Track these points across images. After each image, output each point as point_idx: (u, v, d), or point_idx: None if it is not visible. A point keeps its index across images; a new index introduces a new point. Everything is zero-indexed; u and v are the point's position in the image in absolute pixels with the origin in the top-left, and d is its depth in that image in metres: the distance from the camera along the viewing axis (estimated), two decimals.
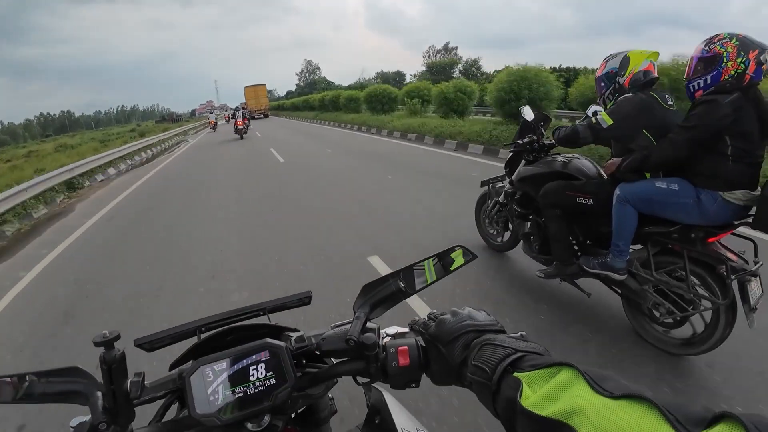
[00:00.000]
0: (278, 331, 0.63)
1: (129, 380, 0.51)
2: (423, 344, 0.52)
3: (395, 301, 0.59)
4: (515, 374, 0.37)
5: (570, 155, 2.41)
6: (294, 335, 0.59)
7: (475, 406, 1.53)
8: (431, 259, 0.59)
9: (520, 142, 2.54)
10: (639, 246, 2.00)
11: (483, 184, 3.15)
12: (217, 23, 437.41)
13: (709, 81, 1.64)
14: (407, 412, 0.64)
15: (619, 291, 2.09)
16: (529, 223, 2.60)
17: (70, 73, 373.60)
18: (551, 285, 2.65)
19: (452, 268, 0.59)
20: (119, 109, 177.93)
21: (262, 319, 0.64)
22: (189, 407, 0.49)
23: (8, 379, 0.49)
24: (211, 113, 29.73)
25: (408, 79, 63.60)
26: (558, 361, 0.36)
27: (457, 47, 69.75)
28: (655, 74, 1.97)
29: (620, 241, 1.92)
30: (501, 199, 2.92)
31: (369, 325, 0.56)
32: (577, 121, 2.29)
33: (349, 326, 0.56)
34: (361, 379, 0.56)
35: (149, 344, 0.57)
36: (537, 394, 0.34)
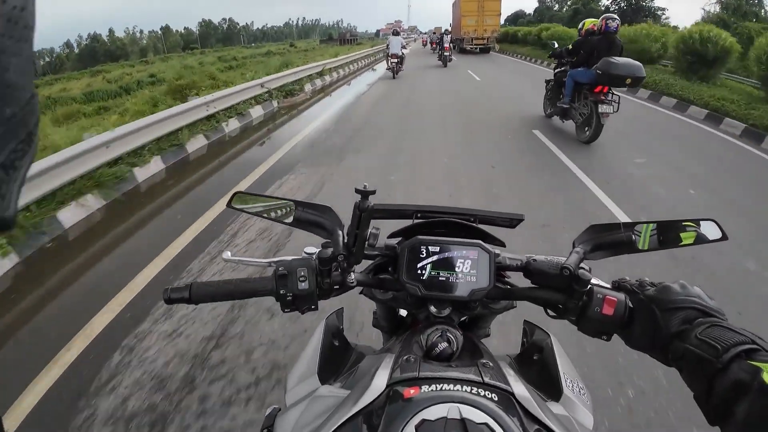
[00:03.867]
0: (484, 238, 0.65)
1: (370, 230, 0.57)
2: (630, 305, 0.51)
3: (620, 251, 0.58)
4: (751, 362, 0.36)
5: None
6: (501, 250, 0.63)
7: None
8: (686, 224, 0.56)
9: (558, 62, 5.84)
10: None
11: (546, 82, 6.17)
12: None
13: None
14: (570, 362, 0.64)
15: (566, 114, 5.29)
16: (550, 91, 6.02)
17: None
18: None
19: (710, 239, 0.55)
20: (302, 21, 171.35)
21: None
22: (399, 271, 0.57)
23: (286, 205, 0.62)
24: (397, 35, 12.55)
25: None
26: None
27: None
28: (594, 29, 5.05)
29: (567, 91, 5.15)
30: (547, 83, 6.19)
31: (582, 264, 0.56)
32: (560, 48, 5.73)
33: (559, 258, 0.58)
34: (550, 312, 0.58)
35: (375, 212, 0.60)
36: None
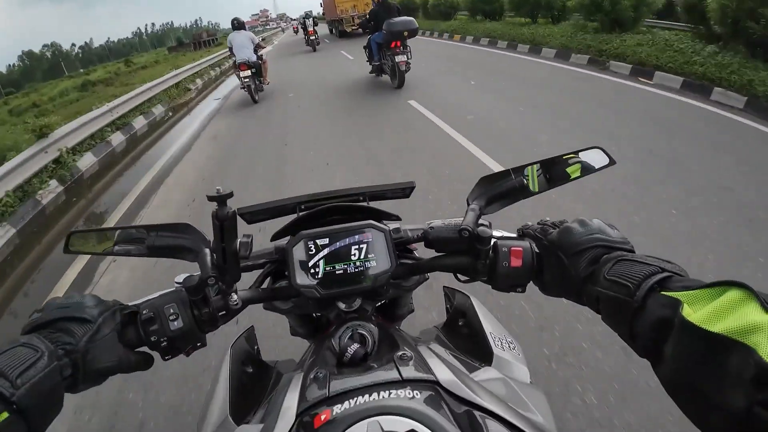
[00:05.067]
0: (377, 216, 0.61)
1: (239, 240, 0.51)
2: (537, 250, 0.50)
3: (514, 198, 0.56)
4: (666, 293, 0.34)
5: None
6: (393, 224, 0.59)
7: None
8: (570, 158, 0.55)
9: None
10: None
11: (364, 48, 7.53)
12: None
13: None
14: (494, 318, 0.63)
15: (380, 69, 6.94)
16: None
17: None
18: None
19: (596, 168, 0.55)
20: (151, 28, 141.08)
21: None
22: (290, 276, 0.52)
23: (135, 234, 0.53)
24: (242, 29, 6.49)
25: None
26: (723, 280, 0.31)
27: None
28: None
29: (374, 53, 6.67)
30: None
31: (481, 221, 0.53)
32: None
33: (457, 219, 0.54)
34: (461, 277, 0.56)
35: (250, 215, 0.57)
36: (700, 312, 0.30)
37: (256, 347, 0.68)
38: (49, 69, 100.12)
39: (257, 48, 6.99)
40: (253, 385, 0.60)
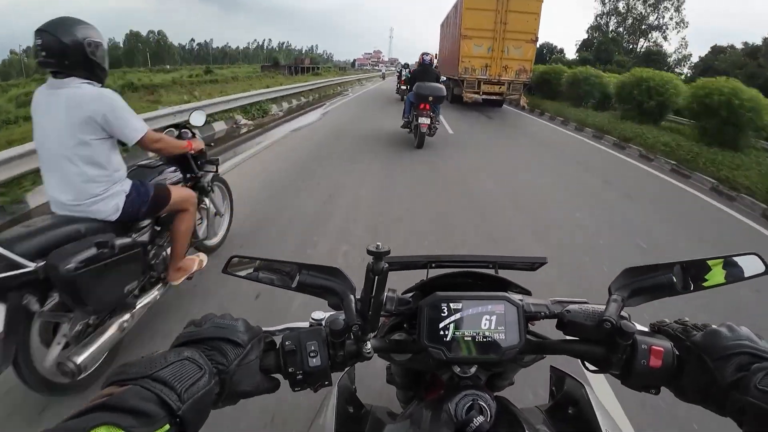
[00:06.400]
0: (505, 286, 0.61)
1: (386, 294, 0.52)
2: (677, 352, 0.48)
3: (659, 295, 0.54)
4: None
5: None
6: (524, 297, 0.59)
7: None
8: (718, 262, 0.53)
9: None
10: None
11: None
12: None
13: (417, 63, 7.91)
14: (609, 414, 0.60)
15: (407, 126, 6.98)
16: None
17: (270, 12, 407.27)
18: None
19: (745, 276, 0.52)
20: (267, 44, 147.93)
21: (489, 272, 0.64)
22: (419, 333, 0.53)
23: (288, 268, 0.56)
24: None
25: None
26: None
27: None
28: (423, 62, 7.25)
29: (406, 109, 6.91)
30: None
31: (622, 312, 0.52)
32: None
33: (594, 306, 0.54)
34: (590, 367, 0.54)
35: (389, 265, 0.62)
36: None
37: (354, 387, 0.69)
38: (153, 56, 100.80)
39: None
40: (351, 425, 0.60)
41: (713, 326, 0.47)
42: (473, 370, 0.56)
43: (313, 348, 0.49)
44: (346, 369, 0.62)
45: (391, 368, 0.77)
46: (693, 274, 0.53)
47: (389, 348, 0.57)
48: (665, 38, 38.15)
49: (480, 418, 0.47)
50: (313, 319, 0.55)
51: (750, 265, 0.52)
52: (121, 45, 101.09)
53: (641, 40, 39.07)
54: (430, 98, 6.12)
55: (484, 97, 11.66)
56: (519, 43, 11.07)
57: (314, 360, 0.48)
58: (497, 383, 0.69)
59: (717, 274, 0.52)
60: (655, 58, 32.63)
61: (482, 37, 10.98)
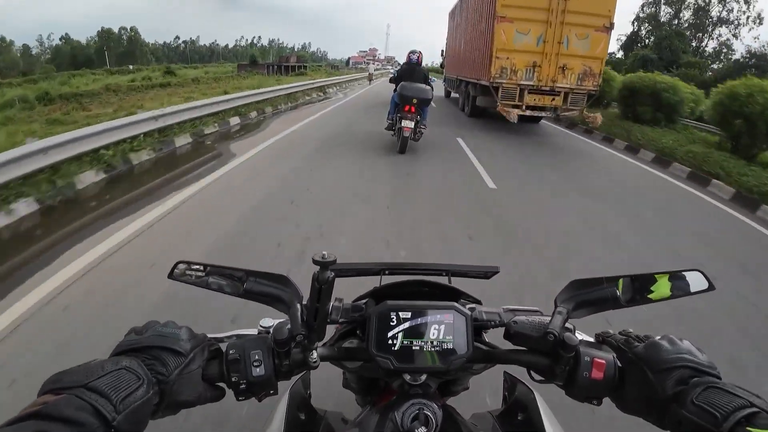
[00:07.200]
0: (457, 296, 0.62)
1: (332, 303, 0.53)
2: (620, 364, 0.49)
3: (603, 308, 0.55)
4: (752, 429, 0.35)
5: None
6: (475, 306, 0.60)
7: None
8: (664, 275, 0.54)
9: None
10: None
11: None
12: None
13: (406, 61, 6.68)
14: (557, 422, 0.61)
15: (391, 128, 6.42)
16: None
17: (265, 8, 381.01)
18: None
19: (691, 291, 0.53)
20: (257, 41, 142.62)
21: (443, 280, 0.66)
22: (367, 342, 0.53)
23: (237, 274, 0.55)
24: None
25: None
26: None
27: None
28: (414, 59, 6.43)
29: (391, 110, 6.36)
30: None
31: (568, 324, 0.53)
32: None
33: (541, 317, 0.56)
34: (536, 376, 0.55)
35: (338, 271, 0.58)
36: None
37: (309, 392, 0.69)
38: (123, 54, 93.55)
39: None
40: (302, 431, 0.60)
41: (655, 338, 0.48)
42: (423, 377, 0.56)
43: (257, 357, 0.48)
44: (300, 376, 0.63)
45: (346, 374, 0.78)
46: (638, 286, 0.55)
47: (338, 356, 0.58)
48: (735, 36, 32.29)
49: (422, 429, 0.47)
50: (261, 326, 0.55)
51: (695, 281, 0.54)
52: (92, 44, 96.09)
53: (704, 37, 32.47)
54: (414, 100, 5.68)
55: (528, 113, 7.81)
56: (585, 31, 7.28)
57: (258, 369, 0.48)
58: (451, 388, 0.70)
59: (662, 287, 0.54)
60: (757, 63, 22.76)
61: (530, 19, 7.23)
